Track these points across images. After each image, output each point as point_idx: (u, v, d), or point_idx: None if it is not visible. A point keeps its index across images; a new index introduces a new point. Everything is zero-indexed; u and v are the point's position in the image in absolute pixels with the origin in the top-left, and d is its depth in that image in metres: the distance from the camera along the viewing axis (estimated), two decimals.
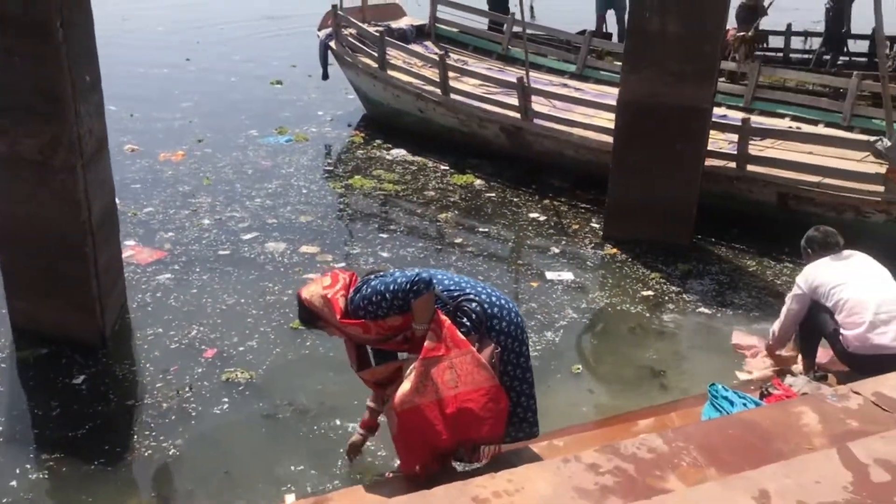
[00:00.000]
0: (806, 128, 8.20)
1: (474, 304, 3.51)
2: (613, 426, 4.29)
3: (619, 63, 9.80)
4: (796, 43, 11.98)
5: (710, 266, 6.56)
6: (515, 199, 7.90)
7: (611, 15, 12.55)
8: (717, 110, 7.30)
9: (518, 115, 8.25)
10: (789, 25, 11.69)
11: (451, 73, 8.91)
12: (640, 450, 2.96)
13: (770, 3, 9.97)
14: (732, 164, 7.01)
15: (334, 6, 10.33)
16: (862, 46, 11.57)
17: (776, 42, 11.63)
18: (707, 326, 5.66)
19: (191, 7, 18.23)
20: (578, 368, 5.11)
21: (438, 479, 3.35)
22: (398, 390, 3.47)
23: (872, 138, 6.55)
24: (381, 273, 3.65)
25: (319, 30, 10.84)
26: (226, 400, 4.70)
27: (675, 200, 6.66)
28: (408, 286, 3.38)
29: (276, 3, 18.25)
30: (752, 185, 6.93)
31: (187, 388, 4.77)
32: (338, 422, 4.45)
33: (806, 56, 11.70)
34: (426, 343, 3.41)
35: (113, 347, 5.20)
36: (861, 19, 11.09)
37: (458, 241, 6.98)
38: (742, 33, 9.68)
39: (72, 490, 4.03)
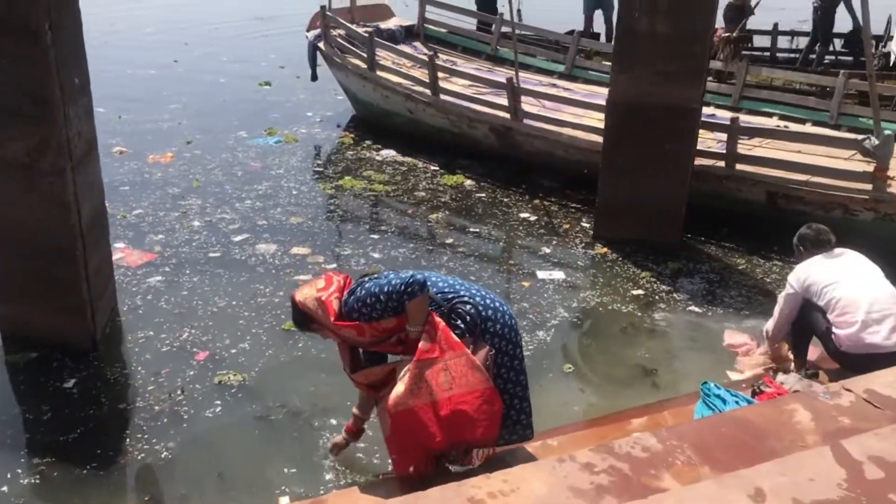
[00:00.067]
0: (794, 127, 8.25)
1: (469, 307, 3.51)
2: (606, 425, 4.29)
3: (608, 63, 9.85)
4: (783, 42, 12.06)
5: (700, 265, 6.59)
6: (506, 200, 7.91)
7: (598, 15, 12.58)
8: (705, 109, 7.32)
9: (508, 116, 8.26)
10: (776, 25, 11.77)
11: (440, 74, 8.91)
12: (634, 449, 2.97)
13: (757, 3, 10.03)
14: (721, 164, 7.04)
15: (323, 7, 10.31)
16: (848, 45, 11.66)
17: (763, 41, 11.70)
18: (698, 325, 5.69)
19: (179, 8, 18.16)
20: (570, 368, 5.12)
21: (433, 480, 3.35)
22: (392, 392, 3.47)
23: (860, 137, 6.59)
24: (376, 275, 3.65)
25: (308, 31, 10.82)
26: (218, 402, 4.68)
27: (665, 200, 6.69)
28: (402, 288, 3.39)
29: (265, 3, 18.21)
30: (741, 183, 6.97)
31: (179, 391, 4.75)
32: (332, 423, 4.43)
33: (792, 55, 11.78)
34: (420, 345, 3.41)
35: (104, 351, 5.17)
36: (847, 20, 11.20)
37: (450, 241, 6.98)
38: (727, 34, 9.73)
39: (64, 494, 4.01)
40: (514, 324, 3.64)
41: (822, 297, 4.31)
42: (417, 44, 11.19)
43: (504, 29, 10.74)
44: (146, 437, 4.38)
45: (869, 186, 6.45)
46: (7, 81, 4.58)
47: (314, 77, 10.67)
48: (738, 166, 6.97)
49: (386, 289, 3.43)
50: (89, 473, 4.11)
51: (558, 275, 6.38)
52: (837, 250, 4.51)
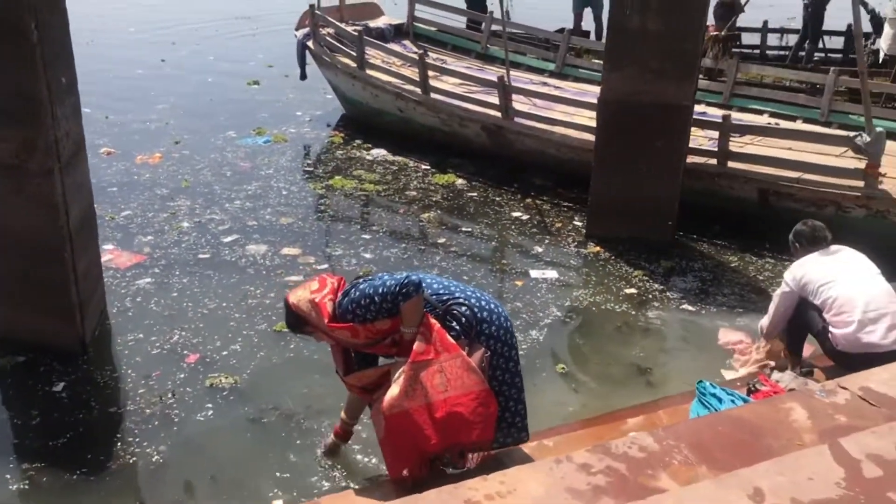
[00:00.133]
0: (784, 124, 8.26)
1: (464, 308, 3.48)
2: (602, 425, 4.27)
3: (598, 61, 9.86)
4: (772, 40, 12.09)
5: (692, 263, 6.58)
6: (498, 199, 7.88)
7: (587, 13, 12.58)
8: (696, 107, 7.32)
9: (499, 114, 8.23)
10: (765, 22, 11.80)
11: (430, 73, 8.88)
12: (631, 449, 2.94)
13: (747, 1, 10.04)
14: (713, 161, 7.04)
15: (311, 6, 10.26)
16: (837, 42, 11.70)
17: (753, 39, 11.72)
18: (691, 323, 5.68)
19: (165, 6, 18.07)
20: (563, 368, 5.10)
21: (428, 482, 3.32)
22: (387, 394, 3.44)
23: (852, 134, 6.60)
24: (370, 276, 3.62)
25: (297, 29, 10.78)
26: (209, 405, 4.63)
27: (658, 198, 6.68)
28: (397, 289, 3.35)
29: (252, 2, 18.14)
30: (733, 181, 6.97)
31: (170, 394, 4.70)
32: (325, 425, 4.38)
33: (782, 52, 11.81)
34: (415, 346, 3.38)
35: (93, 354, 5.11)
36: (837, 17, 11.23)
37: (442, 241, 6.95)
38: (715, 33, 9.74)
39: (53, 500, 3.95)
40: (509, 325, 3.62)
41: (818, 295, 4.29)
42: (407, 42, 11.16)
43: (494, 27, 10.73)
44: (137, 440, 4.33)
45: (861, 183, 6.46)
46: None
47: (303, 76, 10.63)
48: (730, 164, 6.97)
49: (381, 290, 3.40)
50: (79, 479, 4.06)
51: (551, 274, 6.36)
52: (833, 247, 4.49)
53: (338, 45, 10.06)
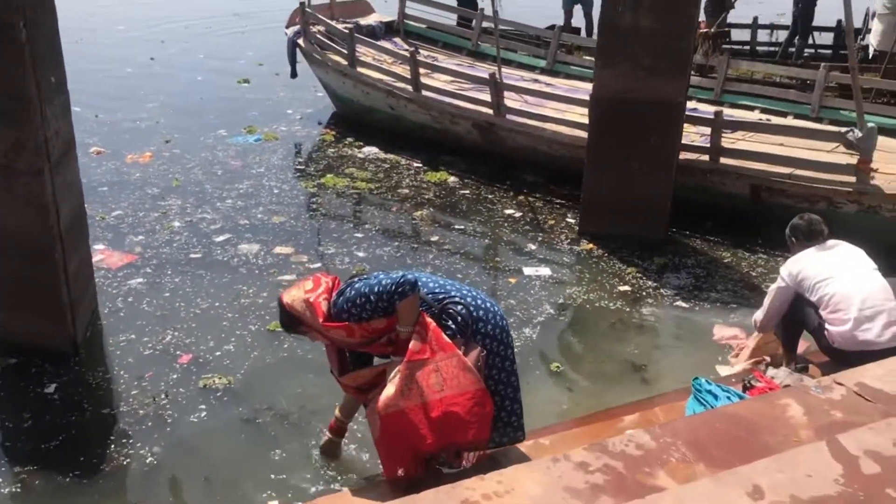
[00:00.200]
0: (775, 120, 8.28)
1: (460, 307, 3.46)
2: (598, 423, 4.26)
3: (589, 58, 9.86)
4: (762, 36, 12.12)
5: (685, 259, 6.59)
6: (490, 196, 7.87)
7: (577, 10, 12.58)
8: (687, 103, 7.32)
9: (490, 111, 8.22)
10: (755, 18, 11.82)
11: (421, 70, 8.85)
12: (628, 447, 2.94)
13: None
14: (705, 158, 7.04)
15: (302, 3, 10.22)
16: (827, 38, 11.74)
17: (743, 35, 11.75)
18: (685, 320, 5.68)
19: (154, 4, 17.95)
20: (558, 366, 5.08)
21: (423, 482, 3.31)
22: (382, 393, 3.42)
23: (844, 129, 6.61)
24: (365, 275, 3.60)
25: (287, 27, 10.73)
26: (203, 406, 4.60)
27: (650, 194, 6.68)
28: (392, 288, 3.33)
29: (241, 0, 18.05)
30: (725, 177, 6.97)
31: (163, 395, 4.67)
32: (320, 425, 4.35)
33: (772, 48, 11.84)
34: (411, 345, 3.36)
35: (85, 355, 5.07)
36: (827, 12, 11.26)
37: (435, 239, 6.93)
38: (705, 29, 9.75)
39: (46, 503, 3.91)
40: (505, 324, 3.60)
41: (814, 292, 4.29)
42: (398, 40, 11.13)
43: (485, 24, 10.71)
44: (130, 442, 4.30)
45: (852, 179, 6.48)
46: None
47: (294, 74, 10.59)
48: (722, 160, 6.97)
49: (376, 289, 3.38)
50: (72, 481, 4.03)
51: (544, 271, 6.35)
52: (830, 242, 4.47)
53: (328, 42, 10.02)
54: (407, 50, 9.55)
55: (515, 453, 3.74)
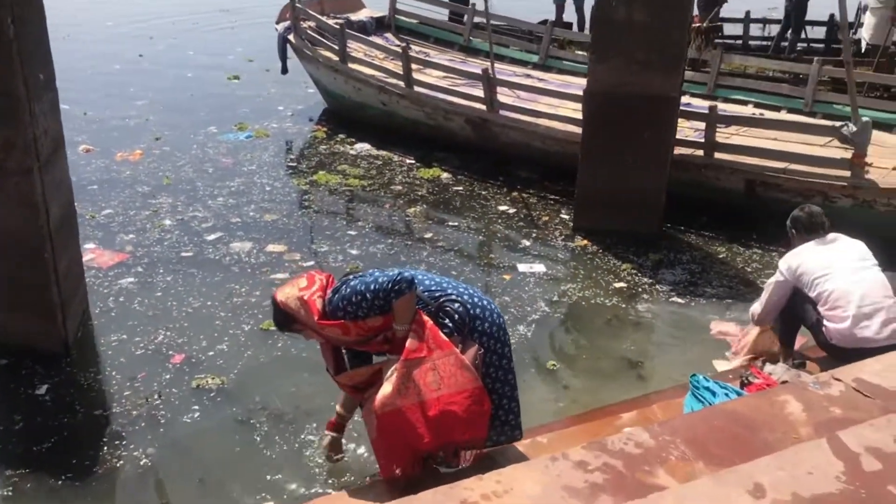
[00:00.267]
0: (769, 114, 8.27)
1: (457, 305, 3.43)
2: (596, 420, 4.24)
3: (582, 52, 9.84)
4: (755, 30, 12.11)
5: (680, 255, 6.57)
6: (484, 192, 7.83)
7: (569, 4, 12.56)
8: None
9: (484, 107, 8.18)
10: (748, 13, 11.81)
11: (413, 66, 8.80)
12: (627, 445, 2.91)
13: None
14: (700, 152, 7.03)
15: None
16: (819, 32, 11.75)
17: (735, 29, 11.74)
18: (681, 316, 5.66)
19: (141, 0, 17.83)
20: (554, 363, 5.04)
21: (421, 482, 3.28)
22: (379, 392, 3.38)
23: (838, 123, 6.60)
24: (361, 273, 3.55)
25: (277, 23, 10.68)
26: (196, 407, 4.55)
27: (645, 189, 6.66)
28: (389, 286, 3.29)
29: None
30: (719, 172, 6.96)
31: (156, 396, 4.62)
32: (315, 425, 4.32)
33: (765, 43, 11.84)
34: (408, 344, 3.33)
35: (76, 356, 5.01)
36: (819, 6, 11.27)
37: (428, 235, 6.89)
38: (697, 24, 9.73)
39: None
40: (502, 322, 3.57)
41: (813, 288, 4.26)
42: (389, 35, 11.08)
43: (477, 19, 10.67)
44: (123, 444, 4.25)
45: (847, 173, 6.47)
46: None
47: (284, 70, 10.54)
48: (717, 155, 6.96)
49: (372, 287, 3.34)
50: (65, 484, 3.97)
51: (539, 268, 6.32)
52: (831, 236, 4.43)
53: (319, 38, 9.97)
54: (398, 46, 9.51)
55: (513, 452, 3.71)
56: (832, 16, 11.07)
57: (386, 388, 3.35)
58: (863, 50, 10.30)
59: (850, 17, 10.64)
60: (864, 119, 6.38)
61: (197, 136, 9.25)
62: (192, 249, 6.46)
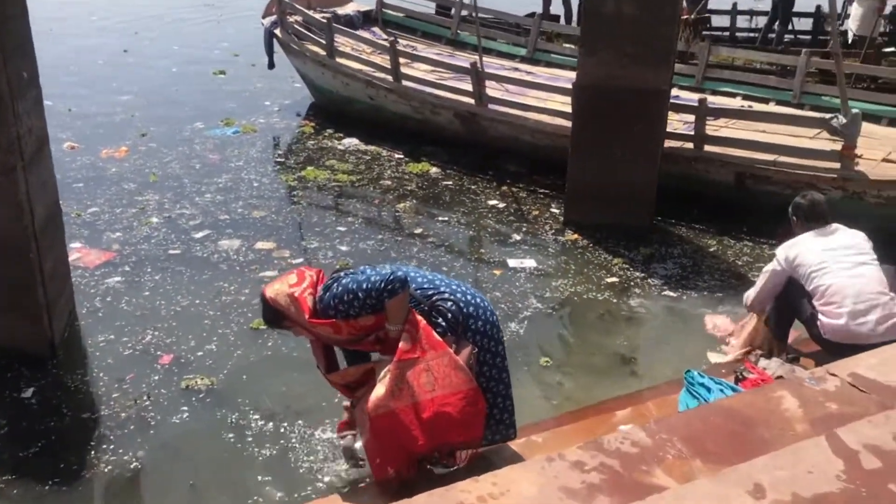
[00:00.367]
0: (757, 106, 8.27)
1: (450, 304, 3.38)
2: (590, 418, 4.21)
3: (570, 45, 9.80)
4: (741, 22, 12.12)
5: (671, 248, 6.55)
6: (473, 187, 7.79)
7: None
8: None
9: (472, 101, 8.13)
10: (735, 4, 11.82)
11: (401, 60, 8.74)
12: (623, 444, 2.89)
13: None
14: (690, 145, 7.01)
15: None
16: (806, 24, 11.76)
17: (722, 21, 11.74)
18: (674, 310, 5.64)
19: None
20: (547, 360, 5.01)
21: (416, 483, 3.25)
22: (372, 394, 3.33)
23: (828, 115, 6.60)
24: (352, 270, 3.49)
25: (264, 17, 10.59)
26: (186, 408, 4.49)
27: (635, 183, 6.63)
28: (382, 285, 3.24)
29: None
30: (709, 165, 6.95)
31: (145, 397, 4.56)
32: (307, 426, 4.28)
33: (752, 34, 11.84)
34: (401, 345, 3.28)
35: (63, 357, 4.94)
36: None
37: (418, 231, 6.84)
38: (685, 17, 9.72)
39: None
40: (495, 319, 3.53)
41: (809, 281, 4.24)
42: (376, 29, 11.01)
43: (464, 13, 10.61)
44: (112, 447, 4.18)
45: (837, 165, 6.47)
46: None
47: (271, 65, 10.45)
48: (707, 147, 6.94)
49: (365, 286, 3.29)
50: (52, 489, 3.91)
51: (530, 263, 6.29)
52: (831, 227, 4.41)
53: (306, 32, 9.88)
54: (386, 39, 9.45)
55: (508, 452, 3.69)
56: (819, 7, 11.10)
57: (379, 390, 3.30)
58: (849, 41, 10.31)
59: (837, 9, 10.68)
60: (854, 111, 6.37)
61: (183, 132, 9.16)
62: (180, 247, 6.39)
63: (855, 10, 10.38)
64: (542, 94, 8.09)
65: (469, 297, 3.46)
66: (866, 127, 6.79)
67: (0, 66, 4.31)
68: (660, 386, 4.57)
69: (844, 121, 6.30)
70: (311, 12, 10.13)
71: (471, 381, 3.30)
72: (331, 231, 6.77)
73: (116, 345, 5.07)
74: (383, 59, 8.99)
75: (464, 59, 9.40)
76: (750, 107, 8.19)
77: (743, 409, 3.17)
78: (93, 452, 4.15)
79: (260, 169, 8.15)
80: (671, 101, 7.14)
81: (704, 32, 10.37)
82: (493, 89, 8.24)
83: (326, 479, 3.93)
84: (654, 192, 6.68)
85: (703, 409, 3.57)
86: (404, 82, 8.67)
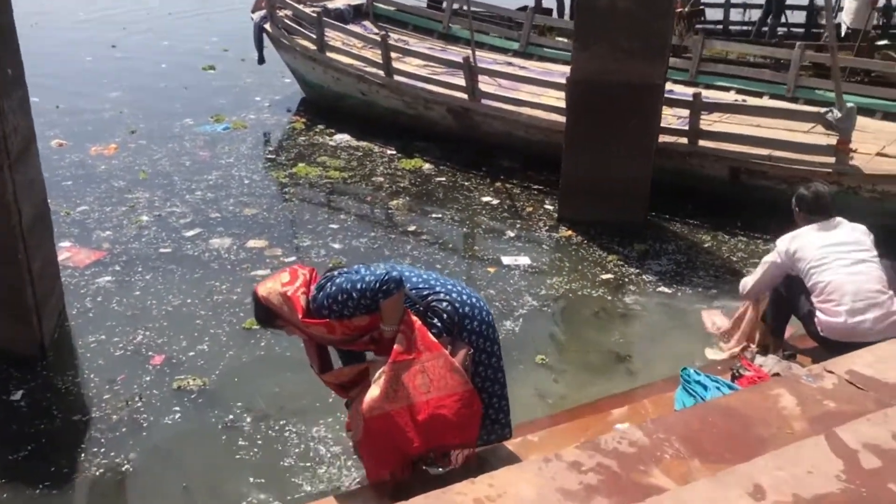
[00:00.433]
0: (751, 100, 8.23)
1: (445, 304, 3.34)
2: (586, 416, 4.18)
3: (563, 39, 9.75)
4: (735, 15, 12.10)
5: (666, 244, 6.51)
6: (466, 183, 7.74)
7: None
8: None
9: (465, 96, 8.08)
10: None
11: (393, 54, 8.68)
12: (621, 444, 2.86)
13: None
14: (684, 140, 6.97)
15: None
16: (800, 17, 11.75)
17: (716, 14, 11.71)
18: (669, 307, 5.61)
19: None
20: (542, 358, 4.96)
21: (411, 485, 3.22)
22: (366, 396, 3.29)
23: (823, 109, 6.57)
24: (345, 269, 3.44)
25: (253, 12, 10.50)
26: (178, 409, 4.44)
27: (629, 178, 6.59)
28: (376, 285, 3.19)
29: None
30: (703, 160, 6.91)
31: (137, 399, 4.50)
32: (300, 427, 4.24)
33: (745, 28, 11.82)
34: (396, 346, 3.23)
35: (53, 358, 4.88)
36: None
37: (412, 228, 6.79)
38: (679, 10, 9.68)
39: None
40: (491, 319, 3.49)
41: (808, 277, 4.21)
42: (367, 23, 10.93)
43: (455, 6, 10.54)
44: (103, 449, 4.13)
45: (832, 159, 6.45)
46: None
47: (261, 60, 10.38)
48: (701, 142, 6.90)
49: (359, 286, 3.24)
50: (43, 493, 3.86)
51: (524, 260, 6.25)
52: (834, 220, 4.37)
53: (296, 27, 9.81)
54: (377, 34, 9.38)
55: (504, 452, 3.66)
56: (812, 0, 11.07)
57: (373, 391, 3.26)
58: (843, 34, 10.28)
59: (832, 1, 10.66)
60: (849, 105, 6.35)
61: (173, 129, 9.09)
62: (171, 246, 6.33)
63: (849, 4, 10.36)
64: (535, 89, 8.04)
65: (465, 297, 3.42)
66: (860, 121, 6.76)
67: None
68: (656, 383, 4.55)
69: (839, 115, 6.28)
70: (300, 6, 10.04)
71: (466, 382, 3.26)
72: (323, 228, 6.72)
73: (107, 345, 5.01)
74: (374, 54, 8.93)
75: (456, 54, 9.35)
76: (744, 101, 8.15)
77: (740, 408, 3.15)
78: (84, 455, 4.10)
79: (251, 166, 8.09)
80: (665, 95, 7.11)
81: (698, 26, 10.34)
82: (485, 84, 8.19)
83: (320, 480, 3.89)
84: (648, 187, 6.64)
85: (700, 407, 3.54)
86: (396, 77, 8.61)
